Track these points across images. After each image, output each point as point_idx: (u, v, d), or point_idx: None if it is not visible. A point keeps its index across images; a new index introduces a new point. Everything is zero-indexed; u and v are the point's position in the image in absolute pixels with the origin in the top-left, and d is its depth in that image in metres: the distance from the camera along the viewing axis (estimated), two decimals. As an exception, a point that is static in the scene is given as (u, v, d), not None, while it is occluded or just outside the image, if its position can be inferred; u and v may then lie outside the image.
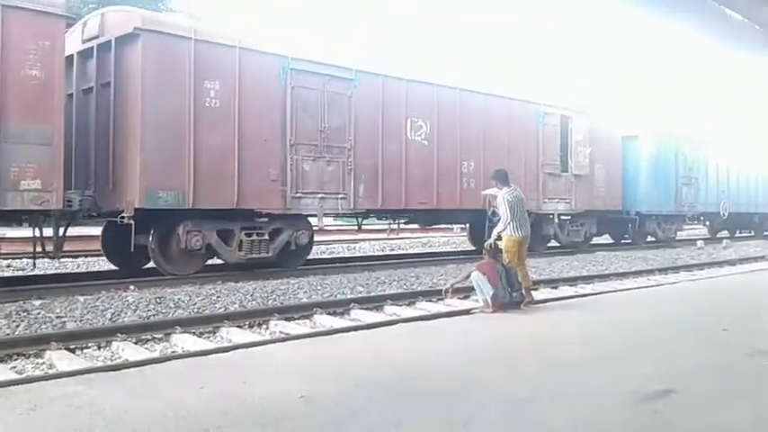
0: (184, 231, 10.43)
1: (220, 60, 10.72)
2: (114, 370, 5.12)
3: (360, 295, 9.59)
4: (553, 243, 17.67)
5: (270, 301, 9.00)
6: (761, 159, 26.17)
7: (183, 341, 6.92)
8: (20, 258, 13.82)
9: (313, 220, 12.40)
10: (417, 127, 13.48)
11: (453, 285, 8.59)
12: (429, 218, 15.50)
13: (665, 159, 20.68)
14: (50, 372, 5.69)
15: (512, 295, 7.83)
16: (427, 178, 13.65)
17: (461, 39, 52.59)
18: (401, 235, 23.34)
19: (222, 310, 8.37)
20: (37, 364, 6.09)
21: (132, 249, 10.24)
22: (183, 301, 8.64)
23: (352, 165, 12.34)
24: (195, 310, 8.29)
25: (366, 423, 3.80)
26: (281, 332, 7.52)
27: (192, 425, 3.71)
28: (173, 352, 6.60)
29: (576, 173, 17.14)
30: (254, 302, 8.88)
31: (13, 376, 5.47)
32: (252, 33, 11.52)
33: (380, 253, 18.05)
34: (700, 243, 20.63)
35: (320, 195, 11.93)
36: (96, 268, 13.26)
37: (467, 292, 9.24)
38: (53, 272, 12.55)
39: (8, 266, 13.16)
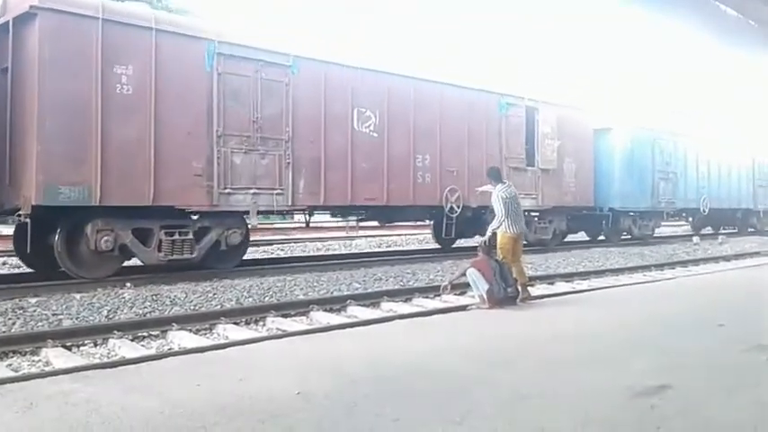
0: (93, 231, 9.52)
1: (134, 43, 9.76)
2: (111, 367, 5.11)
3: (356, 292, 9.59)
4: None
5: (266, 298, 8.99)
6: (744, 154, 25.57)
7: (180, 338, 6.91)
8: (16, 256, 13.77)
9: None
10: (365, 118, 12.66)
11: (451, 282, 8.60)
12: (382, 215, 14.69)
13: (640, 153, 19.87)
14: (47, 369, 5.67)
15: (506, 291, 7.85)
16: (376, 172, 12.81)
17: (461, 38, 52.50)
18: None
19: (218, 306, 8.37)
20: (33, 361, 6.08)
21: (29, 251, 9.64)
22: (180, 298, 8.64)
23: (290, 158, 11.48)
24: (191, 307, 8.29)
25: (363, 419, 3.80)
26: (277, 329, 7.52)
27: (188, 422, 3.71)
28: (169, 349, 6.59)
29: (542, 167, 16.39)
30: (250, 299, 8.88)
31: (10, 374, 5.46)
32: (174, 16, 10.54)
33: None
34: (695, 239, 20.72)
35: (253, 191, 11.06)
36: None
37: (463, 288, 9.24)
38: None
39: (3, 264, 13.13)
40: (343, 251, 17.44)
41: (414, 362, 5.21)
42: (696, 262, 15.19)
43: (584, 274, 12.22)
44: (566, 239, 18.97)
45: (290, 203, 11.65)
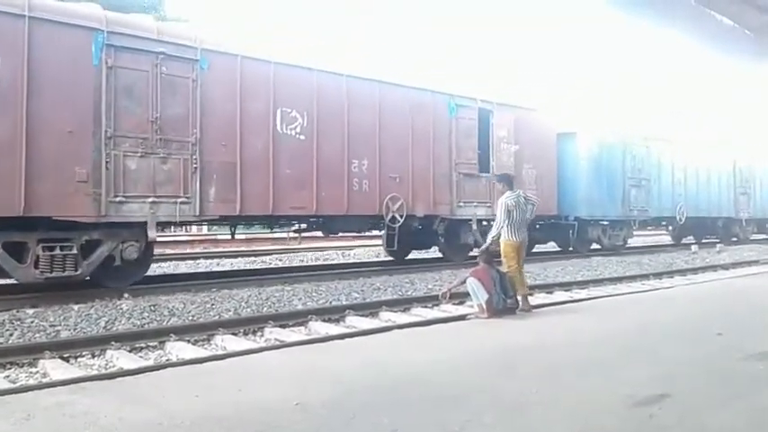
0: None
1: (1, 31, 8.73)
2: (109, 378, 5.09)
3: (355, 302, 9.58)
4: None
5: (264, 309, 8.98)
6: (724, 159, 24.30)
7: (178, 349, 6.90)
8: None
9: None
10: (291, 119, 11.56)
11: (450, 290, 8.59)
12: (323, 226, 13.59)
13: (609, 159, 18.80)
14: (44, 381, 5.66)
15: (506, 301, 7.84)
16: (304, 179, 11.71)
17: (456, 41, 52.57)
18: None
19: (217, 317, 8.36)
20: (30, 373, 6.07)
21: None
22: (178, 309, 8.62)
23: (197, 162, 10.31)
24: (190, 318, 8.28)
25: (361, 429, 3.79)
26: (276, 339, 7.51)
27: (186, 433, 3.70)
28: (167, 360, 6.58)
29: (498, 173, 14.47)
30: (248, 310, 8.86)
31: (7, 385, 5.44)
32: (53, 2, 9.30)
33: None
34: (694, 248, 20.68)
35: (152, 199, 9.86)
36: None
37: (461, 297, 9.24)
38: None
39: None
40: (341, 260, 17.43)
41: (412, 371, 5.20)
42: (694, 271, 15.18)
43: (583, 284, 12.22)
44: (533, 250, 17.69)
45: (197, 213, 10.41)
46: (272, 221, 13.35)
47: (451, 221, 14.33)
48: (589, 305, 9.30)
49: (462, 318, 8.02)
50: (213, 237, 21.98)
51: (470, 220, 14.64)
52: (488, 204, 14.92)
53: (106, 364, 6.45)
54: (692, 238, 24.95)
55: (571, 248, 18.53)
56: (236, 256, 17.65)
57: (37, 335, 7.24)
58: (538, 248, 18.50)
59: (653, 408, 4.16)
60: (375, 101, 12.85)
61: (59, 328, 7.54)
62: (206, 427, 3.76)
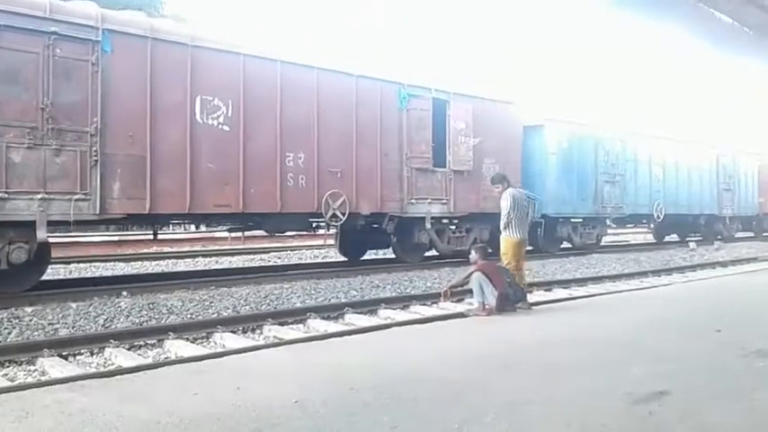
0: None
1: None
2: (107, 376, 5.08)
3: (354, 299, 9.59)
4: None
5: (263, 306, 8.98)
6: (707, 154, 23.44)
7: (177, 347, 6.90)
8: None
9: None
10: (213, 108, 10.56)
11: (452, 288, 8.54)
12: (268, 224, 12.70)
13: (580, 154, 17.86)
14: (43, 379, 5.66)
15: (516, 296, 7.89)
16: (229, 174, 10.75)
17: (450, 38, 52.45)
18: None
19: (215, 315, 8.36)
20: (29, 371, 6.07)
21: None
22: (176, 307, 8.62)
23: (97, 155, 9.34)
24: (188, 316, 8.28)
25: (361, 427, 3.79)
26: (274, 337, 7.51)
27: (185, 431, 3.69)
28: (166, 358, 6.57)
29: (455, 168, 14.23)
30: (247, 307, 8.86)
31: (5, 383, 5.44)
32: None
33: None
34: (692, 245, 20.67)
35: (41, 196, 8.91)
36: (89, 274, 13.23)
37: (460, 295, 9.25)
38: (45, 278, 12.47)
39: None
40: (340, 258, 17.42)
41: (411, 369, 5.19)
42: (693, 268, 15.21)
43: (582, 281, 12.24)
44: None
45: (98, 211, 9.42)
46: (194, 220, 12.55)
47: (403, 220, 13.42)
48: (588, 302, 9.31)
49: (461, 315, 8.01)
50: (211, 235, 21.96)
51: (424, 218, 13.75)
52: (444, 201, 14.14)
53: (105, 363, 6.45)
54: (675, 236, 24.55)
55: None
56: (234, 254, 17.65)
57: (35, 333, 7.24)
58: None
59: (652, 405, 4.16)
60: (312, 89, 11.81)
61: (58, 326, 7.54)
62: (205, 425, 3.75)
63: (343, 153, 12.33)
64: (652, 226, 22.98)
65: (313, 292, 10.06)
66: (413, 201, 13.52)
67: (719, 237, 23.68)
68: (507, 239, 8.33)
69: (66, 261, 14.59)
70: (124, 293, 9.49)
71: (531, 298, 8.79)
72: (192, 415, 3.95)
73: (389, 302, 9.37)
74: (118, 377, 5.03)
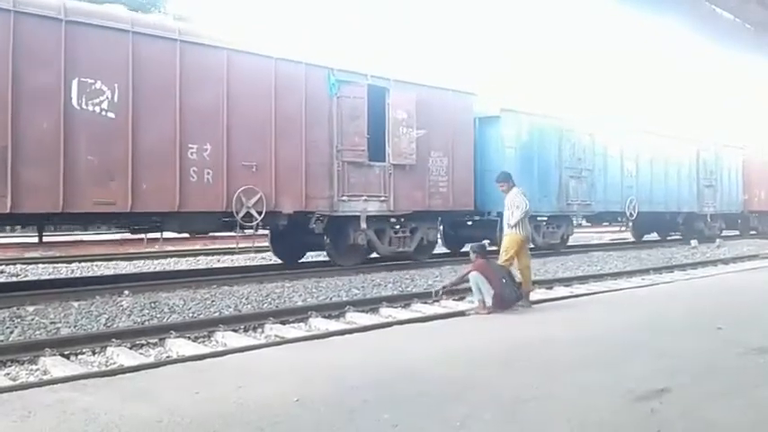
0: None
1: None
2: (109, 375, 5.09)
3: (355, 298, 9.59)
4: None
5: (265, 305, 8.99)
6: (686, 149, 22.11)
7: (178, 346, 6.90)
8: (13, 264, 13.80)
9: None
10: (94, 92, 9.28)
11: (449, 287, 8.55)
12: (157, 224, 10.95)
13: (542, 147, 16.48)
14: (45, 378, 5.66)
15: (517, 293, 7.88)
16: (114, 167, 9.47)
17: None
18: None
19: (217, 314, 8.36)
20: (31, 370, 6.07)
21: None
22: (178, 306, 8.62)
23: None
24: (190, 315, 8.28)
25: (362, 425, 3.79)
26: (276, 336, 7.51)
27: (187, 430, 3.70)
28: (168, 357, 6.58)
29: (396, 162, 12.96)
30: (248, 306, 8.87)
31: (7, 383, 5.44)
32: None
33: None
34: (693, 242, 20.62)
35: None
36: (90, 273, 13.24)
37: (461, 293, 9.25)
38: (47, 277, 12.51)
39: (1, 272, 13.11)
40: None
41: (412, 367, 5.20)
42: (694, 265, 15.19)
43: (583, 279, 12.24)
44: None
45: None
46: (73, 221, 11.06)
47: (335, 219, 12.24)
48: (589, 300, 9.31)
49: (462, 314, 8.02)
50: (210, 234, 21.91)
51: (359, 216, 12.45)
52: (383, 198, 12.84)
53: (107, 362, 6.45)
54: (655, 234, 23.61)
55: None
56: (235, 253, 17.63)
57: (37, 332, 7.24)
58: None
59: (654, 402, 4.16)
60: (222, 72, 10.53)
61: (60, 325, 7.55)
62: (207, 424, 3.76)
63: (260, 145, 11.00)
64: (630, 224, 21.74)
65: (314, 290, 10.06)
66: (345, 198, 12.22)
67: (696, 236, 22.22)
68: (514, 237, 8.29)
69: (68, 260, 14.61)
70: (126, 292, 9.50)
71: (532, 296, 8.78)
72: (194, 413, 3.96)
73: (391, 301, 9.37)
74: (120, 376, 5.04)
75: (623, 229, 22.42)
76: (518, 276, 8.38)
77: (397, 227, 13.39)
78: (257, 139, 10.98)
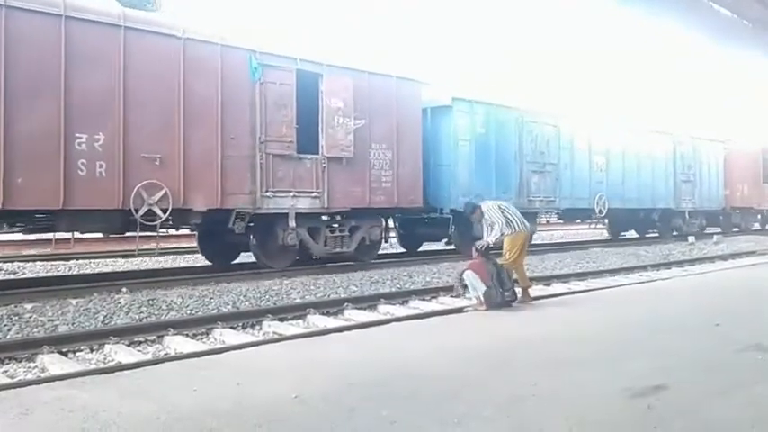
0: None
1: None
2: (107, 373, 5.09)
3: (353, 295, 9.60)
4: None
5: (263, 302, 8.99)
6: (662, 142, 21.04)
7: (176, 343, 6.91)
8: (11, 261, 13.78)
9: None
10: None
11: (462, 287, 8.41)
12: (59, 222, 9.84)
13: (500, 140, 15.38)
14: (43, 375, 5.67)
15: (503, 295, 7.84)
16: None
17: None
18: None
19: (215, 311, 8.37)
20: (29, 367, 6.08)
21: None
22: (176, 303, 8.62)
23: None
24: (188, 312, 8.29)
25: (360, 423, 3.79)
26: (274, 333, 7.52)
27: (185, 427, 3.70)
28: (166, 354, 6.59)
29: (330, 155, 11.81)
30: (247, 303, 8.87)
31: (5, 380, 5.46)
32: None
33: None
34: (691, 239, 20.61)
35: None
36: (88, 271, 13.23)
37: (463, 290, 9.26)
38: (45, 275, 12.50)
39: (-1, 270, 13.10)
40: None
41: (411, 364, 5.20)
42: (692, 262, 15.22)
43: (581, 275, 12.26)
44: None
45: None
46: None
47: (260, 218, 11.21)
48: (587, 297, 9.33)
49: (460, 310, 8.03)
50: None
51: (287, 214, 11.37)
52: (315, 194, 11.72)
53: (105, 359, 6.46)
54: (633, 232, 22.86)
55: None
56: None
57: (35, 330, 7.24)
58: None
59: (651, 399, 4.17)
60: (117, 53, 9.41)
61: (58, 322, 7.54)
62: (205, 421, 3.76)
63: (166, 134, 9.88)
64: (606, 221, 21.00)
65: (312, 287, 10.06)
66: (269, 194, 11.10)
67: (677, 233, 21.66)
68: (515, 237, 8.23)
69: (66, 258, 14.59)
70: (123, 290, 9.49)
71: (530, 292, 8.79)
72: (192, 410, 3.96)
73: (389, 298, 9.38)
74: (118, 373, 5.04)
75: (593, 226, 21.33)
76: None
77: (335, 225, 12.40)
78: (161, 128, 9.86)
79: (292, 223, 11.35)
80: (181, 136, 9.99)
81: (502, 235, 8.18)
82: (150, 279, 10.58)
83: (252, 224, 11.17)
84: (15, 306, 8.25)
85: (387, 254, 15.82)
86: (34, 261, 14.04)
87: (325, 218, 12.34)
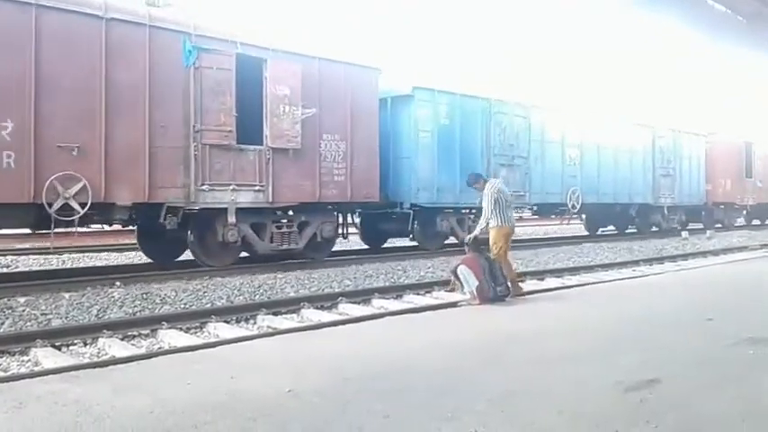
0: None
1: None
2: (101, 367, 5.08)
3: (347, 289, 9.60)
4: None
5: (257, 296, 8.99)
6: (640, 134, 20.43)
7: (170, 337, 6.90)
8: (4, 255, 13.74)
9: None
10: None
11: (458, 282, 8.44)
12: None
13: (466, 131, 14.78)
14: (36, 369, 5.65)
15: (495, 290, 7.87)
16: None
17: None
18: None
19: (209, 305, 8.36)
20: (22, 361, 6.06)
21: None
22: (170, 297, 8.61)
23: None
24: (182, 306, 8.27)
25: (354, 416, 3.80)
26: (268, 327, 7.52)
27: (180, 420, 3.70)
28: (160, 348, 6.58)
29: (275, 145, 11.12)
30: (241, 297, 8.86)
31: (-1, 374, 5.43)
32: None
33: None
34: (684, 234, 20.67)
35: None
36: (82, 264, 13.20)
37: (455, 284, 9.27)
38: (38, 268, 12.46)
39: (-8, 264, 13.06)
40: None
41: (404, 358, 5.21)
42: (685, 257, 15.28)
43: (574, 270, 12.29)
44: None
45: None
46: None
47: (197, 213, 10.63)
48: (580, 292, 9.35)
49: (454, 305, 8.04)
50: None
51: (226, 209, 10.69)
52: (258, 188, 11.04)
53: (98, 353, 6.44)
54: (612, 227, 22.30)
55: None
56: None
57: (28, 323, 7.22)
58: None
59: (643, 393, 4.19)
60: (27, 34, 8.71)
61: (51, 316, 7.52)
62: (198, 415, 3.76)
63: (85, 123, 9.16)
64: (583, 217, 20.72)
65: (306, 281, 10.06)
66: (205, 187, 10.38)
67: (656, 228, 21.01)
68: (500, 229, 8.35)
69: (59, 251, 14.54)
70: (117, 283, 9.47)
71: (523, 287, 8.81)
72: (186, 404, 3.96)
73: (383, 292, 9.39)
74: (111, 367, 5.02)
75: (566, 222, 20.84)
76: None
77: (283, 221, 11.72)
78: (80, 115, 9.14)
79: (232, 219, 10.69)
80: (103, 124, 9.29)
81: (487, 225, 8.31)
82: (144, 273, 10.55)
83: (189, 220, 10.63)
84: (8, 299, 8.22)
85: (385, 248, 15.84)
86: (27, 255, 14.00)
87: (279, 213, 11.75)
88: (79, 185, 9.01)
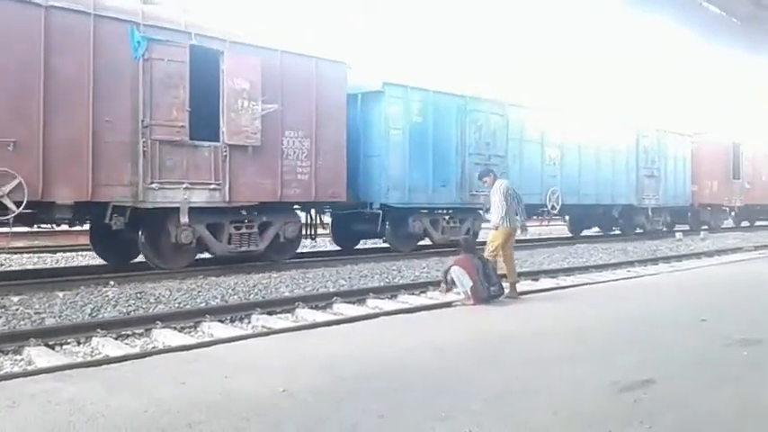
0: None
1: None
2: (94, 366, 5.06)
3: (342, 289, 9.58)
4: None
5: (252, 296, 8.96)
6: (624, 134, 19.97)
7: (164, 336, 6.87)
8: (-3, 254, 13.67)
9: None
10: None
11: (446, 284, 8.44)
12: None
13: (439, 129, 14.28)
14: (29, 368, 5.62)
15: (489, 290, 7.87)
16: None
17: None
18: None
19: (203, 304, 8.33)
20: (15, 360, 6.03)
21: None
22: (164, 296, 8.58)
23: None
24: (176, 305, 8.24)
25: (348, 416, 3.80)
26: (263, 326, 7.50)
27: (173, 420, 3.69)
28: (154, 347, 6.55)
29: (233, 142, 10.60)
30: (235, 297, 8.84)
31: (-9, 373, 5.40)
32: None
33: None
34: (678, 235, 20.71)
35: None
36: (76, 263, 13.15)
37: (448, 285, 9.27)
38: (31, 267, 12.41)
39: (-15, 262, 13.00)
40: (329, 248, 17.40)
41: (399, 358, 5.21)
42: (679, 258, 15.31)
43: (569, 271, 12.30)
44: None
45: None
46: None
47: (145, 212, 9.96)
48: (575, 292, 9.36)
49: (448, 305, 8.04)
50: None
51: (179, 208, 10.11)
52: (214, 186, 10.47)
53: (92, 352, 6.41)
54: (596, 229, 21.79)
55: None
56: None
57: (22, 322, 7.18)
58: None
59: (638, 393, 4.20)
60: None
61: (44, 315, 7.49)
62: (193, 414, 3.75)
63: (20, 118, 8.67)
64: (567, 218, 20.30)
65: (301, 281, 10.05)
66: (155, 185, 9.83)
67: (641, 230, 20.72)
68: (502, 230, 8.34)
69: (53, 250, 14.50)
70: (111, 283, 9.44)
71: (518, 287, 8.82)
72: (180, 404, 3.95)
73: (378, 292, 9.38)
74: (105, 366, 5.01)
75: (545, 223, 20.23)
76: (501, 269, 8.40)
77: (242, 222, 11.13)
78: (15, 109, 8.63)
79: (185, 219, 10.12)
80: (40, 118, 8.76)
81: (499, 219, 8.33)
82: (138, 272, 10.51)
83: (139, 220, 10.11)
84: (2, 298, 8.18)
85: (377, 248, 15.83)
86: (21, 253, 13.94)
87: (244, 212, 11.16)
88: (14, 183, 8.50)
